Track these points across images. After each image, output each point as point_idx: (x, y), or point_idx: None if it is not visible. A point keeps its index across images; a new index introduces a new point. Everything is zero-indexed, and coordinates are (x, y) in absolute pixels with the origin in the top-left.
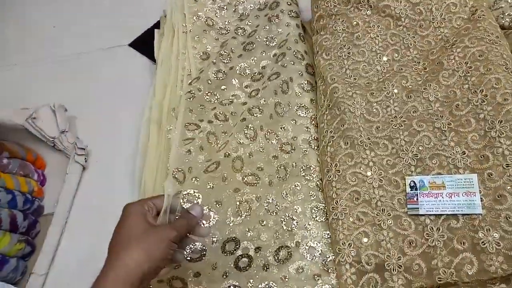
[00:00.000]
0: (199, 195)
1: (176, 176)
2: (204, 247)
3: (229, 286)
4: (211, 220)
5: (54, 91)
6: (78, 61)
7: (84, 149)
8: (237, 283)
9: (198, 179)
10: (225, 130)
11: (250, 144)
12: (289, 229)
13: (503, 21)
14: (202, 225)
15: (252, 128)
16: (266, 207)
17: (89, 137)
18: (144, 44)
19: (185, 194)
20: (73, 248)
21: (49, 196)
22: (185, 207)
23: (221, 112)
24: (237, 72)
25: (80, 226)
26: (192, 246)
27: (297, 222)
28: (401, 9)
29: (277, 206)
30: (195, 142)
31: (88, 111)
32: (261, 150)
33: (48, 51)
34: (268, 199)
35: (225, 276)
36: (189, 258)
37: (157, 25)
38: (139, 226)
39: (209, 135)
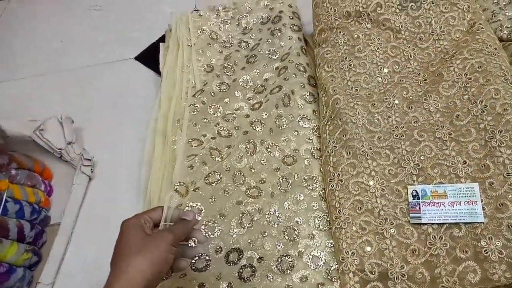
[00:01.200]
0: (201, 208)
1: (178, 189)
2: (209, 257)
3: None
4: (215, 231)
5: (61, 103)
6: (84, 74)
7: (90, 160)
8: None
9: (200, 191)
10: (229, 144)
11: (251, 157)
12: (292, 239)
13: (501, 34)
14: (201, 231)
15: (252, 142)
16: (268, 219)
17: (95, 148)
18: (149, 57)
19: (188, 207)
20: (79, 258)
21: (56, 207)
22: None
23: (224, 128)
24: (240, 84)
25: (86, 236)
26: (198, 256)
27: (300, 232)
28: (400, 22)
29: (279, 218)
30: (197, 158)
31: (94, 123)
32: (263, 163)
33: (55, 65)
34: (270, 211)
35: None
36: (194, 268)
37: (162, 39)
38: (137, 236)
39: (211, 150)
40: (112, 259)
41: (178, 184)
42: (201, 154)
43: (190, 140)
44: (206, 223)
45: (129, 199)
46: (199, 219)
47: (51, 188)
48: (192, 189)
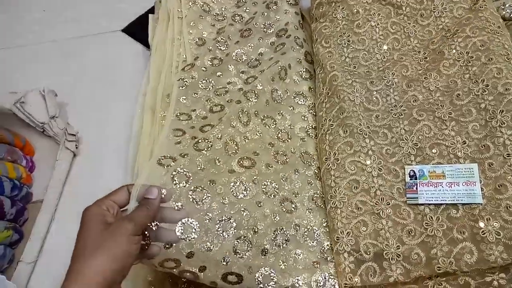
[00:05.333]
0: (189, 175)
1: (162, 162)
2: (197, 227)
3: (228, 273)
4: (203, 199)
5: (43, 76)
6: (69, 46)
7: (75, 135)
8: (237, 270)
9: (189, 158)
10: (221, 117)
11: (245, 128)
12: (287, 216)
13: (503, 12)
14: (175, 208)
15: (246, 112)
16: (264, 189)
17: (80, 123)
18: (137, 30)
19: (175, 173)
20: (63, 235)
21: (38, 183)
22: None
23: (216, 104)
24: (233, 58)
25: (70, 214)
26: (182, 223)
27: (294, 211)
28: None
29: (276, 189)
30: (186, 136)
31: (79, 97)
32: (258, 134)
33: (37, 36)
34: (267, 182)
35: (224, 263)
36: (182, 238)
37: (151, 10)
38: (96, 230)
39: (204, 127)
40: (72, 254)
41: (163, 157)
42: (189, 131)
43: (178, 114)
44: (194, 189)
45: (116, 176)
46: (164, 193)
47: (33, 164)
48: (180, 158)
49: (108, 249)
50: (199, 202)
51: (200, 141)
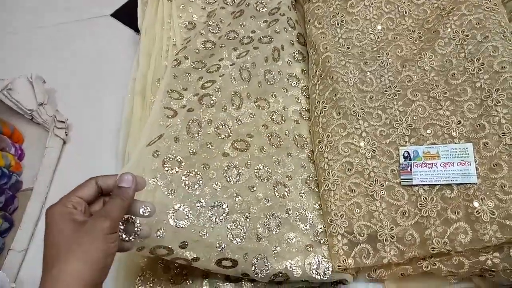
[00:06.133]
0: (180, 160)
1: (152, 146)
2: (189, 212)
3: (223, 258)
4: (196, 183)
5: (31, 62)
6: (57, 32)
7: (64, 122)
8: (231, 255)
9: (180, 142)
10: (212, 94)
11: (237, 112)
12: (280, 200)
13: None
14: (142, 212)
15: (238, 95)
16: (257, 173)
17: (70, 110)
18: (127, 14)
19: (166, 159)
20: None
21: (28, 171)
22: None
23: (208, 80)
24: (226, 38)
25: None
26: (175, 208)
27: (287, 194)
28: None
29: (269, 173)
30: (177, 119)
31: (69, 84)
32: (251, 116)
33: (25, 21)
34: (259, 166)
35: (219, 248)
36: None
37: None
38: (66, 231)
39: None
40: (43, 258)
41: (154, 139)
42: (180, 115)
43: (169, 91)
44: (187, 174)
45: (107, 162)
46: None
47: (22, 151)
48: (170, 142)
49: (85, 252)
50: (191, 187)
51: (190, 122)
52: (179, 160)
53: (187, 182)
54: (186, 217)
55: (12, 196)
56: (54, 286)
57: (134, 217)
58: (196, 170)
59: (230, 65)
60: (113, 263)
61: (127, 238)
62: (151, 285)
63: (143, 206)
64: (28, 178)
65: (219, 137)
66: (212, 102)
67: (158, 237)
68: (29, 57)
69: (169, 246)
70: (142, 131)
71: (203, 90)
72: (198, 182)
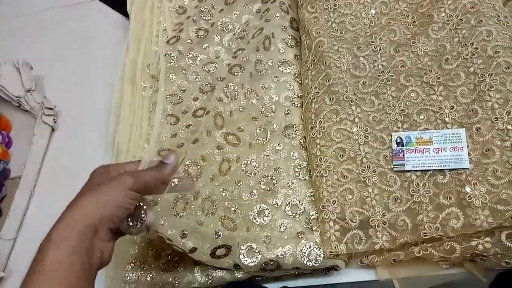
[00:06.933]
0: (186, 151)
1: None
2: (187, 202)
3: (218, 246)
4: (197, 174)
5: (18, 48)
6: (44, 17)
7: (53, 109)
8: (223, 242)
9: (181, 135)
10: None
11: (231, 103)
12: (270, 188)
13: None
14: (187, 176)
15: (232, 86)
16: (244, 169)
17: (58, 97)
18: None
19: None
20: (43, 211)
21: (16, 159)
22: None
23: (206, 83)
24: (219, 28)
25: (50, 189)
26: (176, 199)
27: (279, 181)
28: None
29: (256, 168)
30: (179, 125)
31: (57, 70)
32: (241, 109)
33: (11, 6)
34: (247, 161)
35: (216, 236)
36: (175, 213)
37: None
38: (97, 180)
39: (197, 111)
40: None
41: (162, 149)
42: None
43: (168, 96)
44: (190, 164)
45: (96, 149)
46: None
47: (9, 139)
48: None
49: (99, 194)
50: (194, 178)
51: (192, 124)
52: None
53: (191, 172)
54: (184, 204)
55: (0, 184)
56: (66, 217)
57: (142, 204)
58: (196, 162)
59: (226, 65)
60: None
61: (132, 224)
62: (142, 272)
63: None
64: (16, 166)
65: (216, 126)
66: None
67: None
68: (15, 43)
69: (170, 234)
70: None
71: (202, 94)
72: (198, 172)
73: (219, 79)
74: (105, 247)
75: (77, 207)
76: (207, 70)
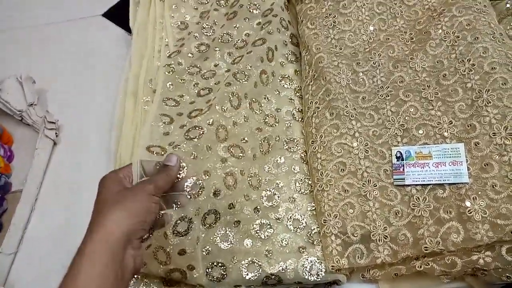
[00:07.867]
0: (183, 165)
1: (152, 150)
2: (190, 220)
3: (213, 263)
4: (199, 190)
5: (21, 62)
6: (48, 31)
7: (55, 123)
8: (221, 260)
9: (180, 148)
10: (209, 100)
11: (234, 113)
12: (271, 202)
13: (507, 6)
14: (191, 180)
15: (236, 95)
16: (249, 181)
17: (60, 111)
18: (118, 14)
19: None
20: (45, 225)
21: (18, 173)
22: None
23: (203, 87)
24: (219, 41)
25: (52, 203)
26: (180, 218)
27: (280, 195)
28: None
29: (259, 181)
30: (174, 124)
31: (59, 85)
32: (245, 120)
33: (15, 20)
34: (251, 173)
35: (206, 253)
36: (176, 232)
37: None
38: (115, 190)
39: (192, 112)
40: (92, 214)
41: (154, 146)
42: (177, 118)
43: (165, 99)
44: (192, 180)
45: (98, 163)
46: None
47: (11, 153)
48: (170, 147)
49: (127, 205)
50: (193, 196)
51: (190, 129)
52: (182, 165)
53: (190, 189)
54: (187, 224)
55: (1, 198)
56: (99, 229)
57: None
58: (198, 177)
59: (225, 71)
60: None
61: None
62: (144, 287)
63: (187, 181)
64: (17, 180)
65: (218, 139)
66: (208, 103)
67: (164, 238)
68: (18, 57)
69: (167, 250)
70: (134, 134)
71: (199, 97)
72: (201, 188)
73: (216, 83)
74: (137, 254)
75: (108, 219)
76: (205, 77)
